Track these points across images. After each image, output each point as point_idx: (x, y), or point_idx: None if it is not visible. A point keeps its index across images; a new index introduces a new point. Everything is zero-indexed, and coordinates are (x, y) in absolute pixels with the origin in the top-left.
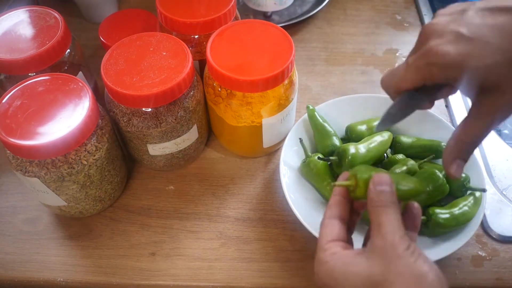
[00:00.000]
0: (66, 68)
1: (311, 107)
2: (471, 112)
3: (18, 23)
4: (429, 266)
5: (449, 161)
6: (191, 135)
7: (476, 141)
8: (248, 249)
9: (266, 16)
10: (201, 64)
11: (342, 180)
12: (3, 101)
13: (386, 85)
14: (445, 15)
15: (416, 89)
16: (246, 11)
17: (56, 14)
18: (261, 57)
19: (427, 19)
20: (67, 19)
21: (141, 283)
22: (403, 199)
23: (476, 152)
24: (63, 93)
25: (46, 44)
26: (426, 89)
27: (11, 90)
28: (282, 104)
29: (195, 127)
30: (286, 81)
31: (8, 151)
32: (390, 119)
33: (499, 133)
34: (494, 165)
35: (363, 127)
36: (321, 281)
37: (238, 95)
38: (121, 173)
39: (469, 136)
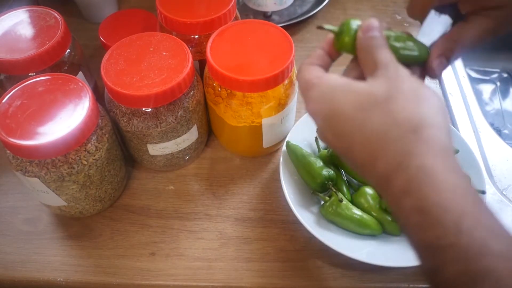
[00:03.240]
0: (66, 68)
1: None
2: (468, 18)
3: (18, 23)
4: (433, 92)
5: (434, 55)
6: (191, 135)
7: (465, 43)
8: (248, 249)
9: (266, 16)
10: (201, 64)
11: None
12: (3, 101)
13: (411, 10)
14: None
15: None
16: (246, 11)
17: (56, 14)
18: (261, 57)
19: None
20: (67, 19)
21: (141, 283)
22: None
23: (476, 152)
24: (63, 93)
25: (46, 44)
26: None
27: (11, 90)
28: (282, 104)
29: (195, 127)
30: (286, 81)
31: (8, 151)
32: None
33: (499, 133)
34: (494, 165)
35: None
36: (313, 105)
37: (238, 95)
38: (121, 173)
39: (461, 36)
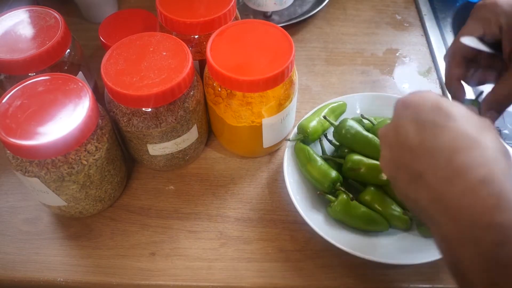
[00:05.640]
0: (66, 68)
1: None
2: (509, 68)
3: (18, 23)
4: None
5: (485, 110)
6: (191, 135)
7: (510, 95)
8: (248, 249)
9: (266, 16)
10: (201, 64)
11: None
12: (3, 101)
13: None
14: None
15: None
16: (246, 11)
17: (56, 14)
18: (261, 57)
19: (427, 19)
20: (67, 19)
21: (141, 283)
22: None
23: None
24: (63, 93)
25: (46, 44)
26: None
27: (11, 90)
28: (282, 104)
29: (195, 127)
30: (286, 81)
31: (8, 151)
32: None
33: (499, 133)
34: None
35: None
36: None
37: (238, 95)
38: (121, 173)
39: (506, 89)
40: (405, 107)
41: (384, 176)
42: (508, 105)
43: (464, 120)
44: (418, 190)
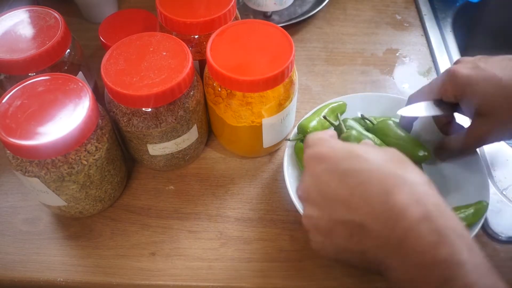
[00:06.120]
0: (66, 68)
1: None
2: (467, 129)
3: (18, 23)
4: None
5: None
6: (191, 135)
7: (459, 151)
8: (248, 249)
9: (266, 16)
10: (201, 64)
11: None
12: (3, 101)
13: (413, 98)
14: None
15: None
16: (246, 11)
17: (56, 14)
18: (261, 57)
19: (427, 19)
20: (67, 19)
21: (141, 283)
22: None
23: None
24: (63, 93)
25: (46, 44)
26: (445, 106)
27: (11, 90)
28: (282, 104)
29: (195, 127)
30: (286, 81)
31: (8, 151)
32: (412, 112)
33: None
34: (494, 165)
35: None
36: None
37: (238, 95)
38: (121, 173)
39: (457, 146)
40: (319, 162)
41: None
42: (466, 150)
43: (380, 159)
44: (362, 241)
